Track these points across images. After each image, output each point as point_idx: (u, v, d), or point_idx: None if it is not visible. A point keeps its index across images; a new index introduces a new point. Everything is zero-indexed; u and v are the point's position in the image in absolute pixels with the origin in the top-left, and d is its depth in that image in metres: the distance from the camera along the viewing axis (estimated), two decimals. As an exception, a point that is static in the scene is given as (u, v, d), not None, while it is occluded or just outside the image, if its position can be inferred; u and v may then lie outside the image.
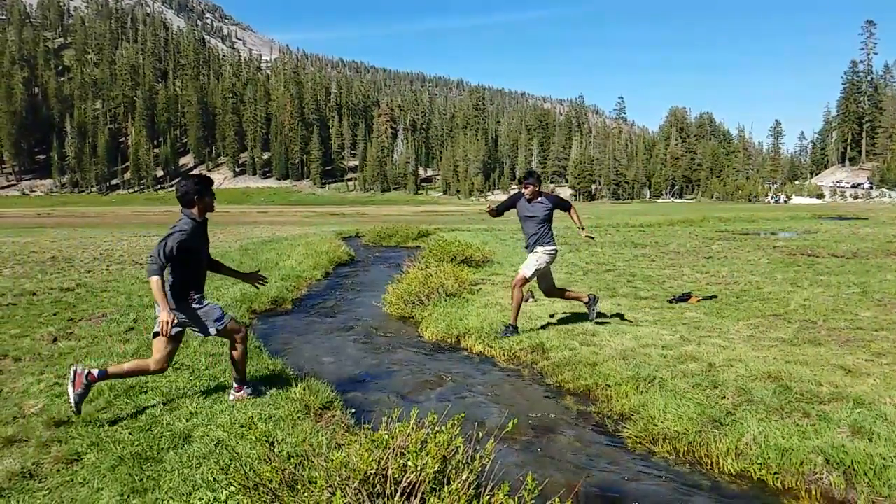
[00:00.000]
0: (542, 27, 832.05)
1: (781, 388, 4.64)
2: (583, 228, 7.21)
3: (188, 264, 4.43)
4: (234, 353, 4.68)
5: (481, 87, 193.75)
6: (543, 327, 7.09)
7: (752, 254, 14.49)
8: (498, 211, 7.01)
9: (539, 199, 6.88)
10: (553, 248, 6.88)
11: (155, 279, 4.13)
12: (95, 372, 4.36)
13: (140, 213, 64.98)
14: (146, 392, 4.85)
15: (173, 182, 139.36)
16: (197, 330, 4.55)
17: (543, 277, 6.98)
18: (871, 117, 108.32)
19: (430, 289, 8.99)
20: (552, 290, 7.13)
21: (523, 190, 6.86)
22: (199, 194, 4.45)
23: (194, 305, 4.48)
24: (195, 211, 4.47)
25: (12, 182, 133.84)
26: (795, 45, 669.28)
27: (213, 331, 4.54)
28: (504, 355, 6.42)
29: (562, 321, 7.39)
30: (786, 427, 3.98)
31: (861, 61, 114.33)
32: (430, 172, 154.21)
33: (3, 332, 7.07)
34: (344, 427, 4.17)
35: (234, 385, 4.78)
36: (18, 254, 16.23)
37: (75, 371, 4.29)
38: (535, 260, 6.78)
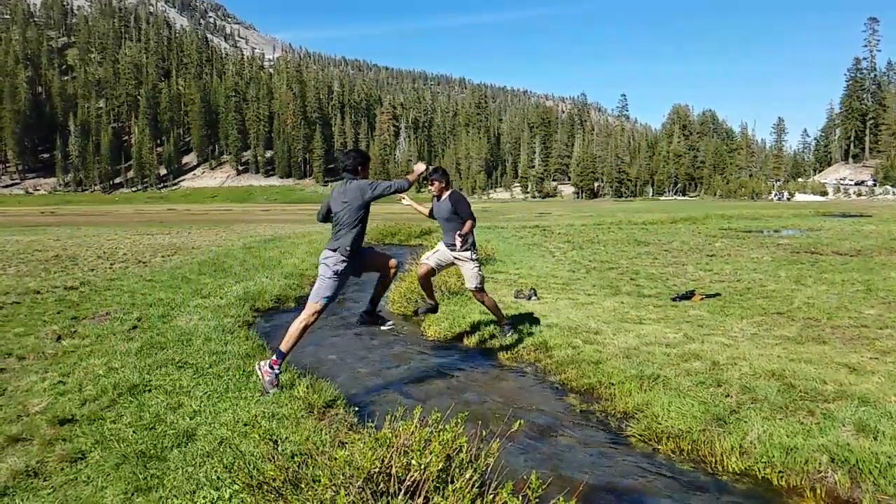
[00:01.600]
0: (544, 25, 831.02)
1: (785, 387, 4.63)
2: (462, 238, 6.10)
3: (365, 220, 5.18)
4: (296, 324, 5.06)
5: (483, 85, 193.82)
6: (547, 325, 7.07)
7: (755, 251, 14.46)
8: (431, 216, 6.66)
9: (446, 197, 6.36)
10: (473, 244, 6.44)
11: (397, 182, 5.20)
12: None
13: (143, 212, 65.08)
14: (150, 390, 4.86)
15: (176, 181, 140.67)
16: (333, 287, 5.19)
17: (439, 265, 6.56)
18: (875, 114, 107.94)
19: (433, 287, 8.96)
20: (428, 282, 6.66)
21: (430, 187, 6.40)
22: (362, 165, 5.26)
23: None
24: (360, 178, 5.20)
25: (16, 181, 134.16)
26: (798, 42, 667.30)
27: (323, 300, 5.10)
28: (507, 353, 6.41)
29: (565, 319, 7.37)
30: (790, 425, 3.96)
31: (864, 58, 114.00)
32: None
33: (7, 330, 7.09)
34: (347, 425, 4.17)
35: (273, 357, 4.93)
36: (22, 252, 16.26)
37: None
38: (473, 269, 6.36)
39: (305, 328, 5.06)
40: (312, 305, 5.08)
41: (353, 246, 5.09)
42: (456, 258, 6.39)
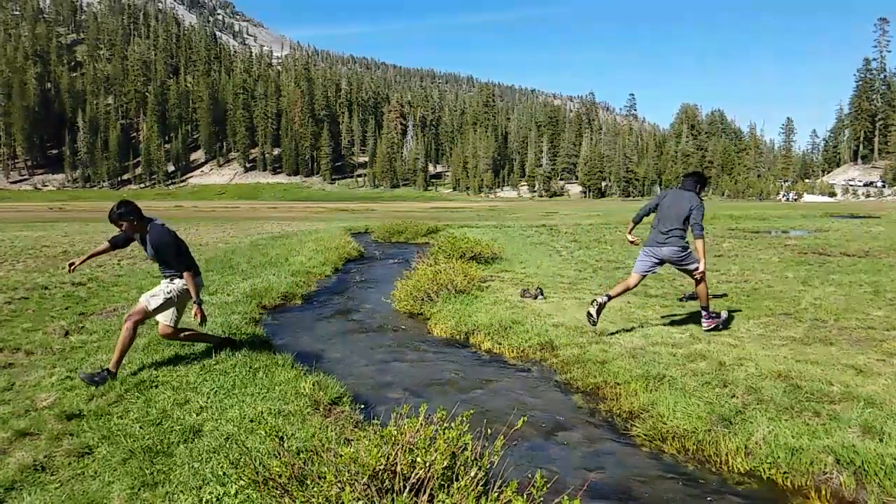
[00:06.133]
0: (552, 23, 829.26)
1: (791, 388, 4.62)
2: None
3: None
4: (619, 288, 6.71)
5: (491, 84, 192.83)
6: (552, 325, 7.07)
7: (762, 252, 14.39)
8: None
9: (148, 238, 5.29)
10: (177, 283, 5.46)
11: (701, 241, 6.18)
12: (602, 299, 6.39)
13: (151, 209, 65.18)
14: (157, 386, 4.89)
15: (184, 177, 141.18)
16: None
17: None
18: (884, 115, 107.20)
19: (439, 285, 8.98)
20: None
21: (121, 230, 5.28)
22: (703, 184, 6.66)
23: None
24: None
25: (25, 177, 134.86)
26: (808, 43, 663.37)
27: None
28: (513, 352, 6.42)
29: (571, 318, 7.36)
30: (796, 426, 3.95)
31: (874, 59, 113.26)
32: (439, 169, 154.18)
33: (15, 325, 7.14)
34: (353, 423, 4.18)
35: (705, 314, 6.62)
36: (31, 248, 16.36)
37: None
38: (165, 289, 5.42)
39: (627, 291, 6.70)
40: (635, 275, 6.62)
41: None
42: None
